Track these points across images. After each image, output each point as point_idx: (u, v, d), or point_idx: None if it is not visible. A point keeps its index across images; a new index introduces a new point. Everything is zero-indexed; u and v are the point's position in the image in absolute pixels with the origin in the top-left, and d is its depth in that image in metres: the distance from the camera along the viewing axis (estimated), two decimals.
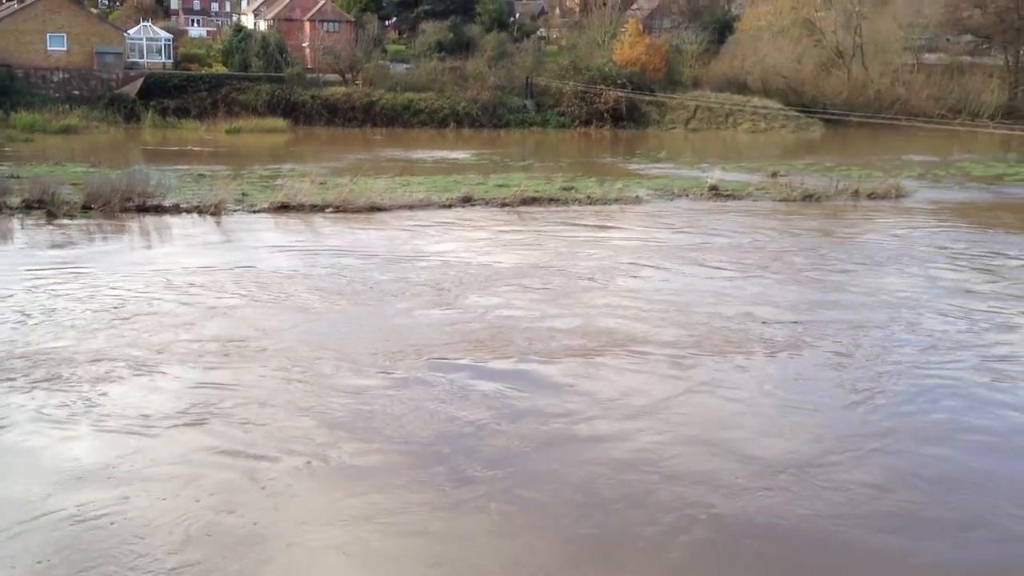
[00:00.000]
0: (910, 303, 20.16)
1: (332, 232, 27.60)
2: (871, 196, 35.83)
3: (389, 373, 15.32)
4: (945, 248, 26.68)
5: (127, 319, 17.91)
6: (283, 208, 30.69)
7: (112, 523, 10.41)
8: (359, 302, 19.69)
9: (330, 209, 30.62)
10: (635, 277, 22.40)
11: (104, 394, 14.10)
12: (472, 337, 17.26)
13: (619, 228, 29.35)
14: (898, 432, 13.27)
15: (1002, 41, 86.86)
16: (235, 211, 30.40)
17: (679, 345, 16.97)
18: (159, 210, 29.91)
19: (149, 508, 10.75)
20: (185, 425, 13.10)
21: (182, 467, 11.80)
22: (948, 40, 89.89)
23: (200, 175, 38.75)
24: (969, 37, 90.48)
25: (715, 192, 35.77)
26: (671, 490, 11.40)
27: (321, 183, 34.35)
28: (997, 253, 26.17)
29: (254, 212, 30.50)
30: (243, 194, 32.91)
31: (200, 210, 30.06)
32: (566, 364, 15.96)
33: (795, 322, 18.51)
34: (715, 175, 38.54)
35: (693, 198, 35.26)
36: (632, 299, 20.17)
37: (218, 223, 28.82)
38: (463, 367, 15.65)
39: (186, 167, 41.76)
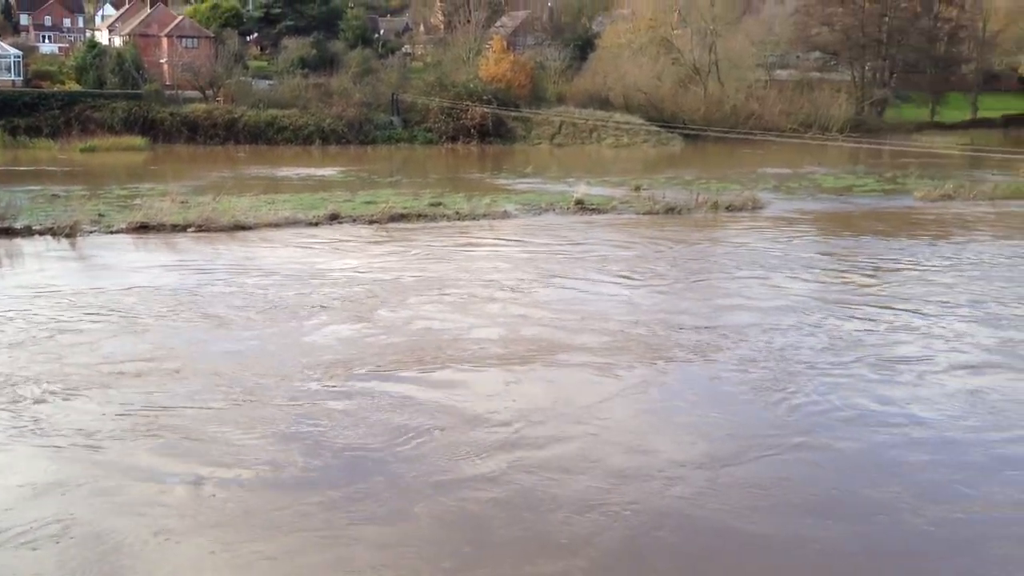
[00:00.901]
0: (804, 307, 21.31)
1: (222, 251, 27.12)
2: (729, 208, 37.02)
3: (319, 388, 15.49)
4: (817, 255, 28.07)
5: (18, 343, 17.32)
6: (143, 228, 29.83)
7: (57, 542, 10.55)
8: (268, 319, 19.56)
9: (192, 228, 29.90)
10: (540, 288, 22.95)
11: (33, 417, 13.90)
12: (398, 350, 17.54)
13: (508, 241, 29.74)
14: (809, 429, 14.17)
15: (848, 57, 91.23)
16: (91, 232, 29.41)
17: (603, 352, 17.67)
18: (10, 233, 28.68)
19: (94, 523, 10.93)
20: (118, 441, 13.15)
21: (116, 483, 11.94)
22: (798, 57, 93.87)
23: (54, 195, 37.28)
24: (818, 54, 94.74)
25: (581, 206, 36.38)
26: (598, 489, 12.01)
27: (182, 202, 33.55)
28: (867, 258, 27.59)
29: (112, 233, 29.56)
30: (100, 215, 31.84)
31: (54, 232, 28.95)
32: (497, 372, 16.50)
33: (708, 327, 19.38)
34: (581, 189, 39.21)
35: (560, 212, 35.78)
36: (545, 309, 20.75)
37: (73, 245, 27.84)
38: (393, 379, 15.95)
39: (39, 188, 40.11)
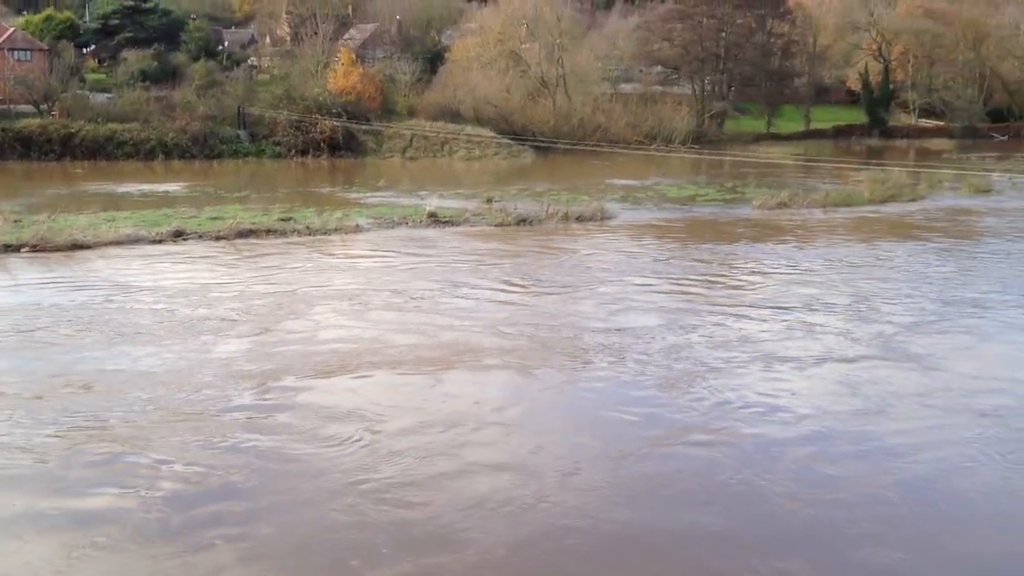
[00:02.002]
0: (688, 309, 22.56)
1: (87, 270, 26.04)
2: (579, 219, 37.69)
3: (241, 399, 15.63)
4: (681, 261, 29.14)
5: None
6: None
7: None
8: (166, 335, 19.33)
9: (26, 249, 28.58)
10: (438, 297, 23.39)
11: None
12: (317, 358, 17.83)
13: (383, 253, 29.73)
14: (706, 423, 15.14)
15: (688, 72, 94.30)
16: None
17: (516, 354, 18.52)
18: None
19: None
20: (46, 458, 13.16)
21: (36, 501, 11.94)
22: (641, 71, 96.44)
23: None
24: (660, 68, 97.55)
25: (434, 219, 36.41)
26: (514, 485, 12.66)
27: (15, 221, 32.06)
28: (731, 262, 28.90)
29: None
30: None
31: None
32: (418, 376, 17.10)
33: (611, 330, 20.31)
34: (433, 202, 39.26)
35: (412, 225, 35.73)
36: (451, 317, 21.32)
37: None
38: (319, 386, 16.31)
39: None
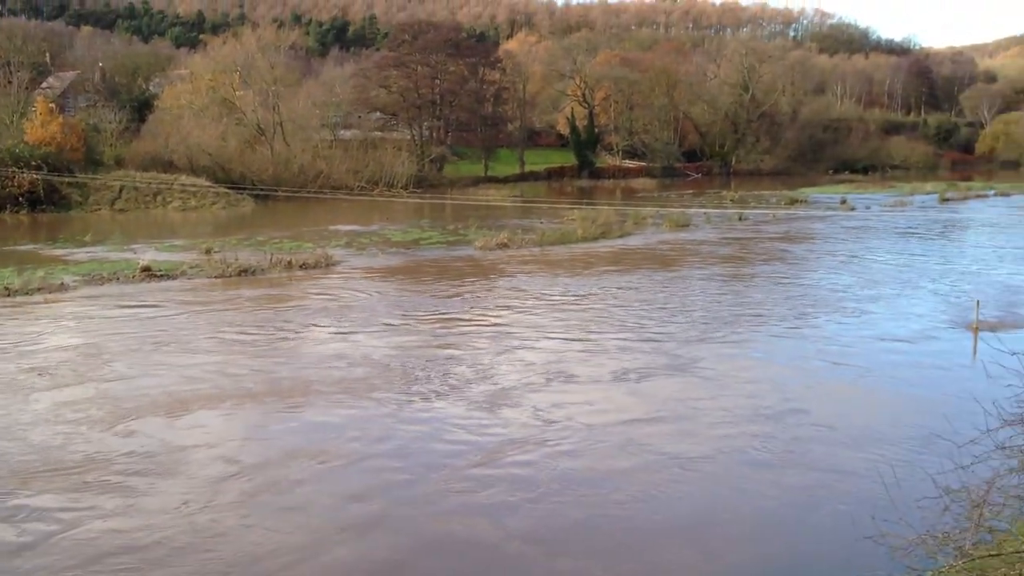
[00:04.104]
0: (476, 339, 23.84)
1: None
2: (303, 266, 37.18)
3: (87, 440, 15.91)
4: (437, 299, 29.05)
5: None
6: None
7: None
8: None
9: None
10: (247, 343, 23.51)
11: None
12: (153, 401, 18.08)
13: (132, 309, 27.79)
14: (521, 439, 16.14)
15: (407, 118, 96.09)
16: None
17: (348, 384, 19.41)
18: None
19: None
20: None
21: None
22: (360, 117, 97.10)
23: None
24: (378, 114, 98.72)
25: (149, 273, 34.75)
26: (341, 505, 13.38)
27: None
28: (491, 298, 29.10)
29: None
30: None
31: None
32: (257, 411, 17.72)
33: (428, 361, 21.44)
34: (147, 256, 37.53)
35: (124, 281, 33.93)
36: (272, 357, 21.89)
37: None
38: (166, 425, 16.73)
39: None
